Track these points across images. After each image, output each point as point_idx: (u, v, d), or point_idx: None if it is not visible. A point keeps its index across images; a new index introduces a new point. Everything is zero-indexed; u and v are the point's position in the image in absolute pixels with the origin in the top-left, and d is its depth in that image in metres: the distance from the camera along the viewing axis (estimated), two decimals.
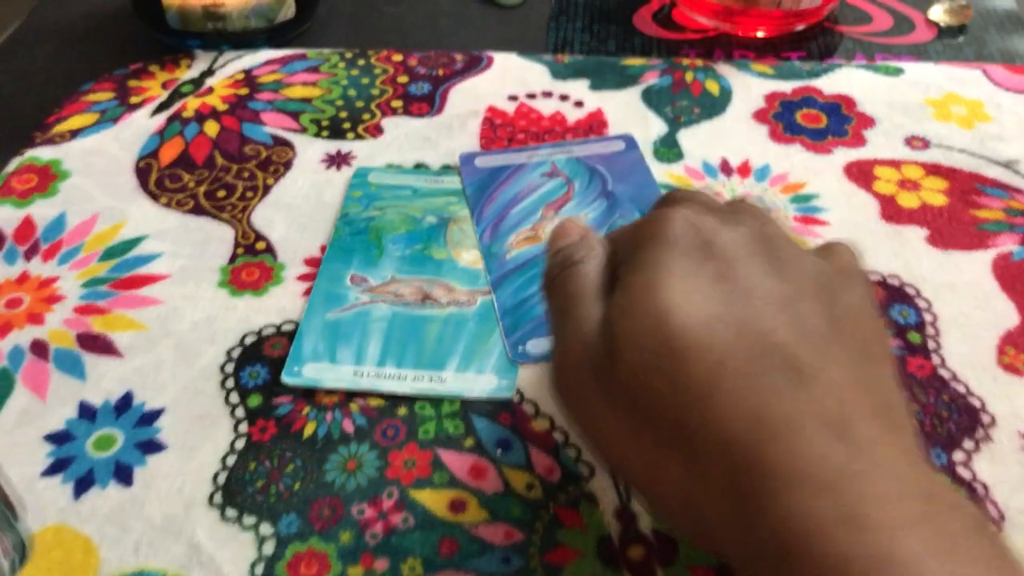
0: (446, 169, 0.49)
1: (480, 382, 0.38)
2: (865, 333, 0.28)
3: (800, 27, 0.61)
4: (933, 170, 0.49)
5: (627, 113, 0.53)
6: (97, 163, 0.50)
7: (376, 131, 0.52)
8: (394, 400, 0.38)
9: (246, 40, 0.59)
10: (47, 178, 0.49)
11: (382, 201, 0.47)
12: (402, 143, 0.51)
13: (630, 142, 0.49)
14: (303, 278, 0.43)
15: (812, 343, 0.27)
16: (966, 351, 0.39)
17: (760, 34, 0.60)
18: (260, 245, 0.45)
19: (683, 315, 0.27)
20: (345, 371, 0.39)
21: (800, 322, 0.27)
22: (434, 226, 0.46)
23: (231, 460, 0.36)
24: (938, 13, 0.62)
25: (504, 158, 0.49)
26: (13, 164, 0.50)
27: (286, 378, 0.39)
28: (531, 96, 0.55)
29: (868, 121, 0.52)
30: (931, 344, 0.40)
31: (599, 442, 0.29)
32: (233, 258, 0.45)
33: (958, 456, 0.35)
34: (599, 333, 0.29)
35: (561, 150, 0.49)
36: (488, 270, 0.43)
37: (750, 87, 0.55)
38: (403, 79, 0.56)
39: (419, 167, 0.50)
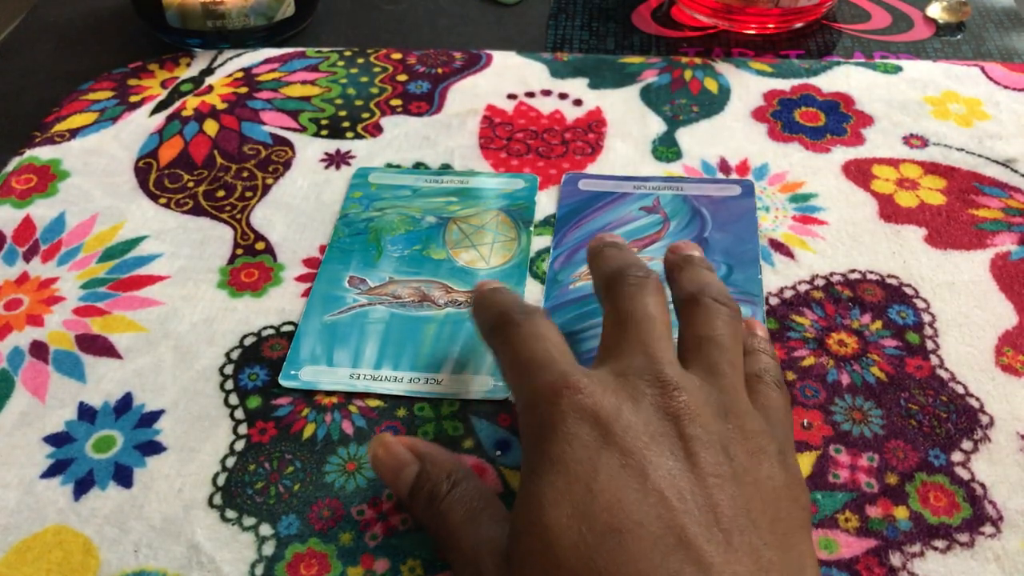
0: (446, 169, 0.49)
1: (476, 383, 0.38)
2: (779, 510, 0.28)
3: (799, 25, 0.61)
4: (931, 169, 0.49)
5: (626, 111, 0.53)
6: (97, 163, 0.50)
7: (375, 130, 0.52)
8: (393, 401, 0.38)
9: (245, 38, 0.59)
10: (46, 178, 0.49)
11: (382, 202, 0.47)
12: (401, 142, 0.51)
13: (747, 189, 0.47)
14: (302, 279, 0.43)
15: (720, 534, 0.27)
16: (964, 351, 0.39)
17: (759, 32, 0.60)
18: (259, 245, 0.45)
19: (574, 535, 0.27)
20: (342, 374, 0.39)
21: (709, 511, 0.27)
22: (433, 226, 0.46)
23: (231, 462, 0.36)
24: (936, 11, 0.62)
25: (609, 184, 0.48)
26: (12, 164, 0.50)
27: (283, 381, 0.39)
28: (530, 95, 0.55)
29: (866, 119, 0.52)
30: (929, 344, 0.40)
31: None
32: (232, 259, 0.45)
33: (956, 457, 0.35)
34: (499, 558, 0.28)
35: (671, 185, 0.47)
36: (545, 297, 0.42)
37: (749, 85, 0.55)
38: (402, 78, 0.56)
39: (418, 166, 0.50)
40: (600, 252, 0.38)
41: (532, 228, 0.46)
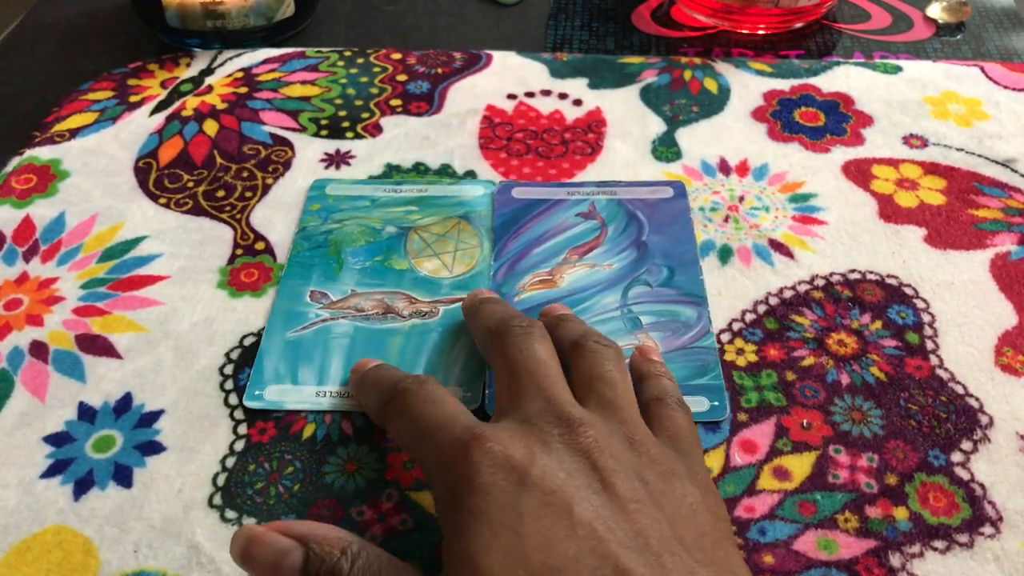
0: (403, 178, 0.49)
1: None
2: (701, 525, 0.29)
3: (798, 25, 0.61)
4: (931, 169, 0.49)
5: (626, 111, 0.53)
6: (96, 163, 0.50)
7: (375, 130, 0.52)
8: None
9: (245, 38, 0.59)
10: (46, 178, 0.49)
11: (340, 213, 0.47)
12: (401, 142, 0.51)
13: (679, 190, 0.47)
14: None
15: (652, 558, 0.27)
16: (964, 351, 0.39)
17: (758, 31, 0.60)
18: (259, 245, 0.45)
19: None
20: (307, 392, 0.38)
21: (637, 537, 0.27)
22: (394, 236, 0.45)
23: (230, 462, 0.36)
24: (936, 11, 0.62)
25: (543, 191, 0.48)
26: (12, 164, 0.50)
27: (247, 402, 0.38)
28: (530, 95, 0.55)
29: (866, 120, 0.52)
30: (929, 344, 0.40)
31: None
32: (232, 259, 0.45)
33: (956, 457, 0.35)
34: None
35: (605, 189, 0.47)
36: None
37: (748, 85, 0.55)
38: (402, 78, 0.56)
39: (418, 166, 0.50)
40: (478, 309, 0.38)
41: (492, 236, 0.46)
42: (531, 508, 0.27)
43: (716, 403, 0.37)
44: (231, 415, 0.38)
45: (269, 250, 0.45)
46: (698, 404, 0.37)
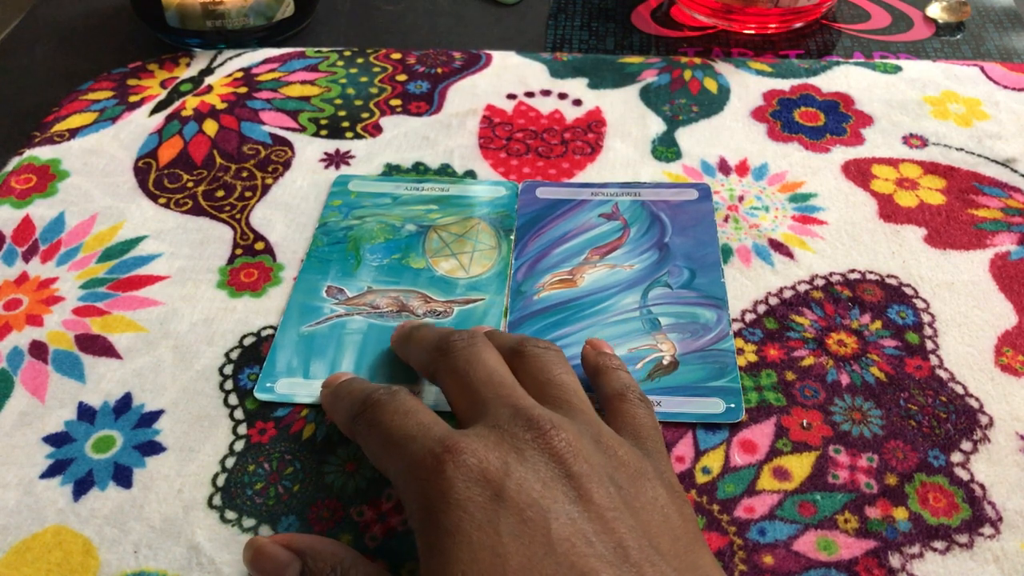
0: (426, 176, 0.49)
1: None
2: (673, 529, 0.28)
3: (798, 24, 0.61)
4: (931, 169, 0.49)
5: (625, 111, 0.53)
6: (96, 163, 0.50)
7: (375, 130, 0.52)
8: None
9: (245, 38, 0.59)
10: (46, 178, 0.49)
11: (361, 210, 0.47)
12: (401, 142, 0.51)
13: (704, 192, 0.47)
14: None
15: (632, 569, 0.26)
16: (964, 351, 0.39)
17: (758, 32, 0.60)
18: (259, 245, 0.45)
19: None
20: (318, 386, 0.38)
21: (616, 548, 0.27)
22: (413, 235, 0.45)
23: (230, 462, 0.36)
24: (936, 10, 0.62)
25: (567, 191, 0.48)
26: (12, 164, 0.50)
27: (258, 394, 0.38)
28: (529, 94, 0.55)
29: (866, 119, 0.52)
30: (929, 344, 0.40)
31: None
32: (232, 259, 0.45)
33: (956, 457, 0.35)
34: None
35: (629, 191, 0.47)
36: (511, 309, 0.42)
37: (748, 85, 0.55)
38: (402, 78, 0.56)
39: (418, 166, 0.50)
40: (410, 335, 0.38)
41: (513, 236, 0.46)
42: (509, 525, 0.27)
43: (732, 405, 0.37)
44: (231, 415, 0.38)
45: (269, 250, 0.45)
46: (714, 406, 0.37)
